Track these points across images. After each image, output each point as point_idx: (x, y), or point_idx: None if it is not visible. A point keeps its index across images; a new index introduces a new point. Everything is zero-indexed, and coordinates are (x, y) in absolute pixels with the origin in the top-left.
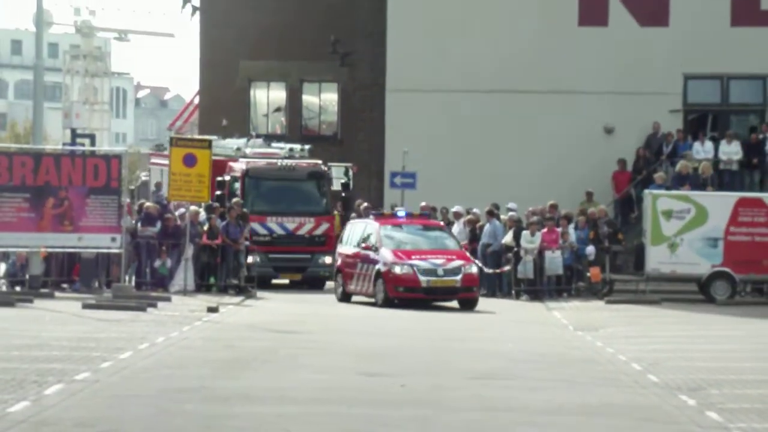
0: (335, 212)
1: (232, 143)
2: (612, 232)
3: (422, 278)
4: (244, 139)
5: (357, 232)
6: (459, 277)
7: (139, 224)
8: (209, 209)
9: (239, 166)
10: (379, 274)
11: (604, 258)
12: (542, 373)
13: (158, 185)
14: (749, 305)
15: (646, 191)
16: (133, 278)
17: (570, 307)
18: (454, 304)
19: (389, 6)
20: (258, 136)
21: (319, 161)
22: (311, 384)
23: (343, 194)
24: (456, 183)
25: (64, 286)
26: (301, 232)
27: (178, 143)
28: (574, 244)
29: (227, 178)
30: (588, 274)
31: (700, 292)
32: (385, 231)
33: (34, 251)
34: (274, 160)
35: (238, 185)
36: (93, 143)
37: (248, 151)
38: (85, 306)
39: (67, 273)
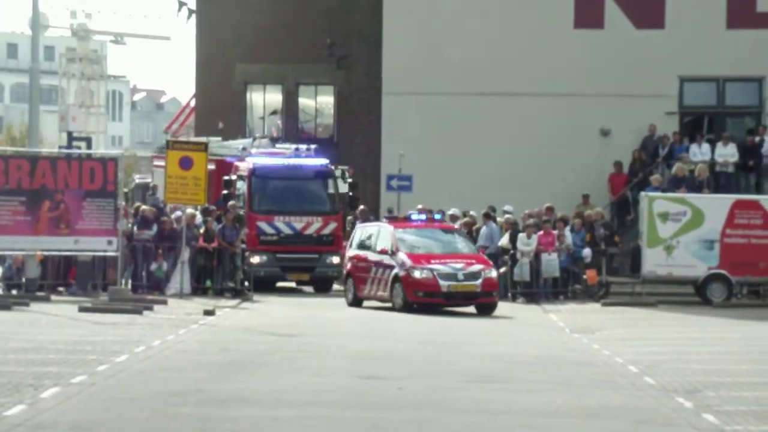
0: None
1: (238, 143)
2: (608, 234)
3: (442, 283)
4: (249, 139)
5: (369, 235)
6: (479, 282)
7: (135, 227)
8: (205, 212)
9: (246, 166)
10: (396, 278)
11: (601, 260)
12: (539, 376)
13: (154, 188)
14: (745, 307)
15: (643, 193)
16: (130, 281)
17: (566, 310)
18: (469, 308)
19: (385, 9)
20: (263, 136)
21: (326, 160)
22: (308, 387)
23: (351, 194)
24: (452, 186)
25: (61, 289)
26: (309, 231)
27: (175, 146)
28: (571, 247)
29: (234, 177)
30: (584, 277)
31: (697, 294)
32: (400, 234)
33: (30, 254)
34: (281, 159)
35: (244, 185)
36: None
37: (254, 151)
38: (82, 309)
39: (63, 276)
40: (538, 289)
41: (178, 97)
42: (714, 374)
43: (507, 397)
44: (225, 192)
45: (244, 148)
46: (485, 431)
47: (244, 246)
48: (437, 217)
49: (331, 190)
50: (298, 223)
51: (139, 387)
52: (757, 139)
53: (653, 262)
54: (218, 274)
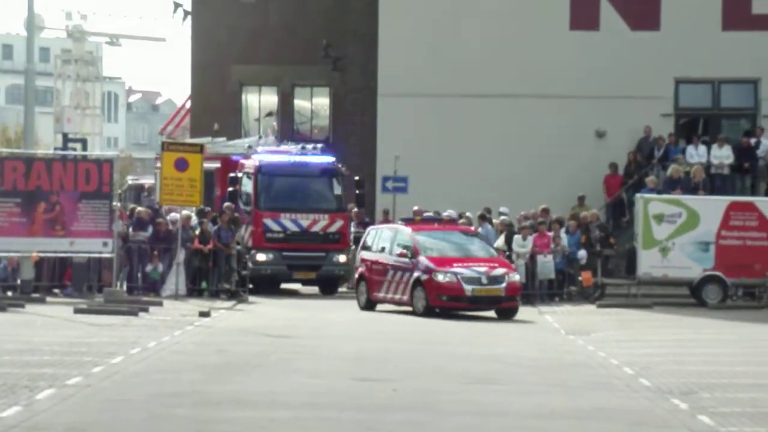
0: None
1: (244, 141)
2: (603, 236)
3: (466, 287)
4: (255, 137)
5: (385, 237)
6: (503, 286)
7: (130, 229)
8: (201, 213)
9: (252, 163)
10: (418, 282)
11: (596, 262)
12: (534, 377)
13: (150, 189)
14: (741, 309)
15: (638, 195)
16: (125, 283)
17: (562, 311)
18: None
19: (381, 10)
20: (269, 134)
21: (333, 158)
22: (304, 388)
23: (358, 191)
24: (448, 187)
25: (56, 290)
26: (316, 228)
27: (170, 147)
28: (566, 248)
29: (240, 174)
30: (580, 278)
31: (692, 296)
32: (419, 237)
33: (25, 256)
34: (288, 156)
35: (249, 182)
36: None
37: (260, 149)
38: (77, 311)
39: (58, 278)
40: (534, 291)
41: (173, 98)
42: (709, 376)
43: (502, 398)
44: (231, 189)
45: (250, 146)
46: None
47: (239, 247)
48: (453, 216)
49: (338, 188)
50: (305, 220)
51: (134, 388)
52: (753, 140)
53: (648, 263)
54: (214, 276)
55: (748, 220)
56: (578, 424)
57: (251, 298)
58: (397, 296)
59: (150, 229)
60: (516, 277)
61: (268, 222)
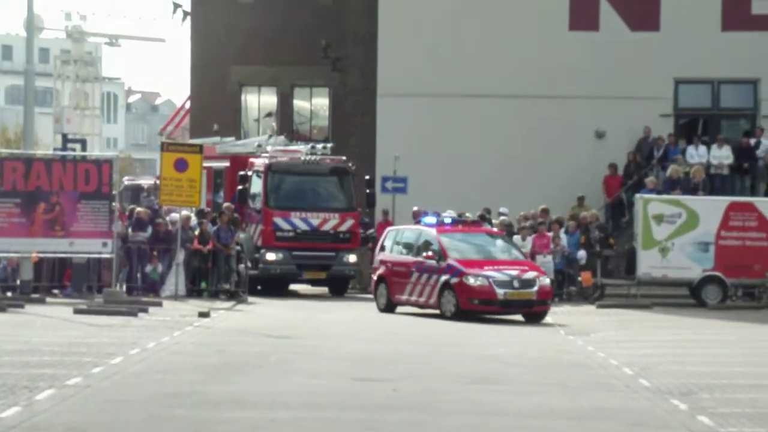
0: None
1: (253, 141)
2: (603, 236)
3: (498, 290)
4: (265, 136)
5: (408, 238)
6: (534, 290)
7: (130, 229)
8: (200, 214)
9: (261, 161)
10: (446, 284)
11: (596, 262)
12: (534, 378)
13: (149, 190)
14: (740, 309)
15: (637, 195)
16: (124, 283)
17: (561, 312)
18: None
19: (380, 10)
20: (279, 133)
21: (343, 157)
22: (303, 389)
23: (368, 191)
24: (447, 188)
25: (55, 291)
26: (326, 228)
27: (170, 148)
28: (566, 249)
29: (249, 173)
30: (579, 279)
31: (692, 296)
32: (445, 239)
33: (25, 256)
34: (297, 155)
35: (259, 181)
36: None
37: (270, 148)
38: (76, 311)
39: (58, 278)
40: None
41: (173, 98)
42: (709, 376)
43: (502, 398)
44: (240, 188)
45: (259, 145)
46: None
47: (239, 248)
48: (469, 216)
49: (348, 187)
50: (315, 219)
51: (134, 389)
52: (753, 141)
53: (648, 264)
54: (213, 276)
55: (747, 220)
56: (577, 425)
57: (251, 299)
58: (422, 299)
59: (149, 230)
60: (546, 281)
61: (278, 221)
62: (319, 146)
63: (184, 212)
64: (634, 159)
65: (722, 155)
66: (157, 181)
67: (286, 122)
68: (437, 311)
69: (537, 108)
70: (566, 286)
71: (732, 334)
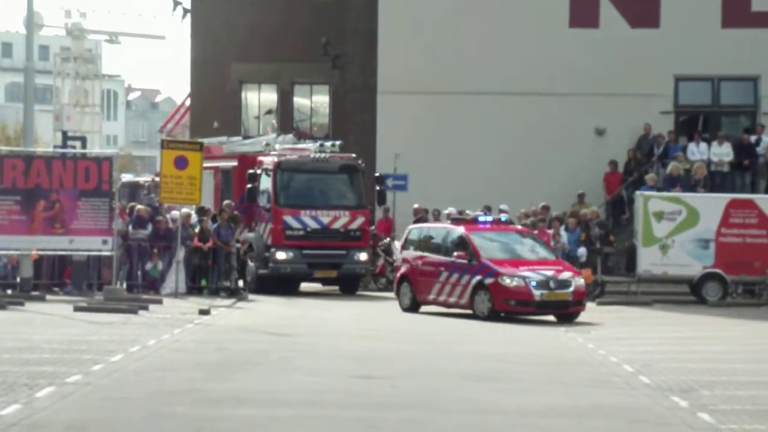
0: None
1: (262, 139)
2: (603, 233)
3: (535, 291)
4: (273, 134)
5: (434, 236)
6: (571, 290)
7: (130, 227)
8: (200, 212)
9: (270, 160)
10: (480, 285)
11: (596, 259)
12: (534, 375)
13: (150, 188)
14: (741, 306)
15: (638, 192)
16: (125, 281)
17: None
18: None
19: (380, 7)
20: (281, 131)
21: (353, 154)
22: (304, 386)
23: (378, 188)
24: (448, 185)
25: (56, 288)
26: (336, 225)
27: (170, 145)
28: (566, 246)
29: (258, 171)
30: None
31: (692, 293)
32: (476, 238)
33: (25, 254)
34: (307, 153)
35: (268, 179)
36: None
37: (278, 146)
38: (77, 309)
39: (58, 276)
40: None
41: (173, 96)
42: (709, 373)
43: (502, 396)
44: (249, 186)
45: (267, 144)
46: (479, 431)
47: (239, 246)
48: (503, 218)
49: (359, 184)
50: (325, 217)
51: (134, 386)
52: (753, 138)
53: (648, 261)
54: (213, 274)
55: (747, 217)
56: (578, 422)
57: (251, 296)
58: (453, 299)
59: (150, 227)
60: (581, 281)
61: (288, 219)
62: (328, 144)
63: (185, 210)
64: (634, 156)
65: (722, 152)
66: (156, 178)
67: (286, 120)
68: (469, 311)
69: (537, 105)
70: None
71: (732, 331)
